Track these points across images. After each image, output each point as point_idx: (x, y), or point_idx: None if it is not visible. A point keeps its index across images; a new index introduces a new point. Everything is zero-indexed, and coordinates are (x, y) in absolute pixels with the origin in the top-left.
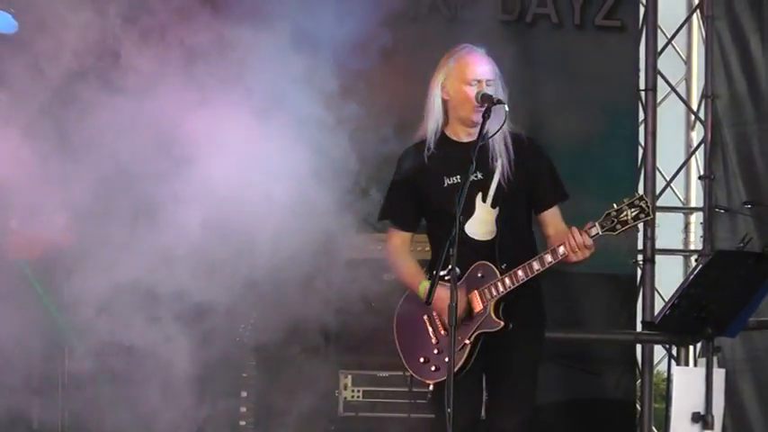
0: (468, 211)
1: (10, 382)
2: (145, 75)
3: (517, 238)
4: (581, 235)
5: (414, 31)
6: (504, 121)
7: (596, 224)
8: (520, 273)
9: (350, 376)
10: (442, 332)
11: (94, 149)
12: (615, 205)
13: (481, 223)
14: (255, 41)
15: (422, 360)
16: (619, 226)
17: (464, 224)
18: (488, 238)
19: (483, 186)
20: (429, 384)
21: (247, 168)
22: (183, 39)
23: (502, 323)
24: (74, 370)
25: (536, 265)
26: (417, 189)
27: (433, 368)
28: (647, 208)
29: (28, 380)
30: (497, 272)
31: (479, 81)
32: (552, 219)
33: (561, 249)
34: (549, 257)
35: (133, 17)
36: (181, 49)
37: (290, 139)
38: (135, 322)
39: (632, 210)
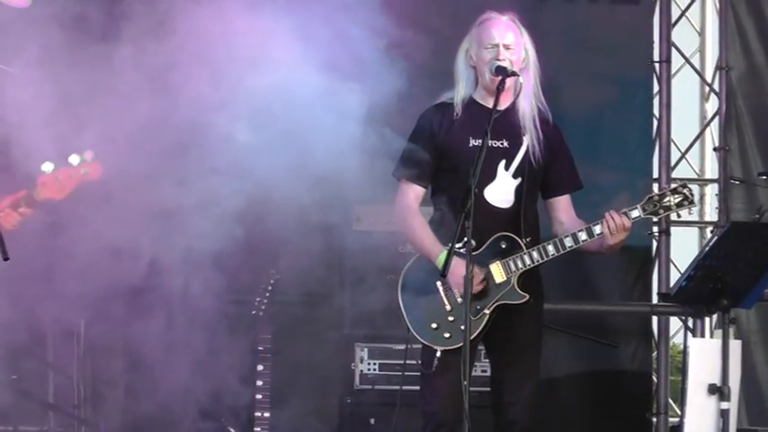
0: (489, 176)
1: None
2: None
3: (532, 213)
4: (620, 216)
5: (427, 4)
6: (519, 92)
7: (638, 207)
8: (550, 248)
9: (366, 349)
10: (459, 300)
11: (127, 93)
12: (656, 190)
13: (500, 191)
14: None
15: (434, 326)
16: (661, 210)
17: (483, 189)
18: (505, 206)
19: (508, 155)
20: (437, 351)
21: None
22: None
23: (527, 296)
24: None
25: (568, 242)
26: (441, 146)
27: (446, 335)
28: (690, 196)
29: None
30: (522, 244)
31: (495, 45)
32: (565, 205)
33: (598, 228)
34: (583, 235)
35: None
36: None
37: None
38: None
39: (675, 196)
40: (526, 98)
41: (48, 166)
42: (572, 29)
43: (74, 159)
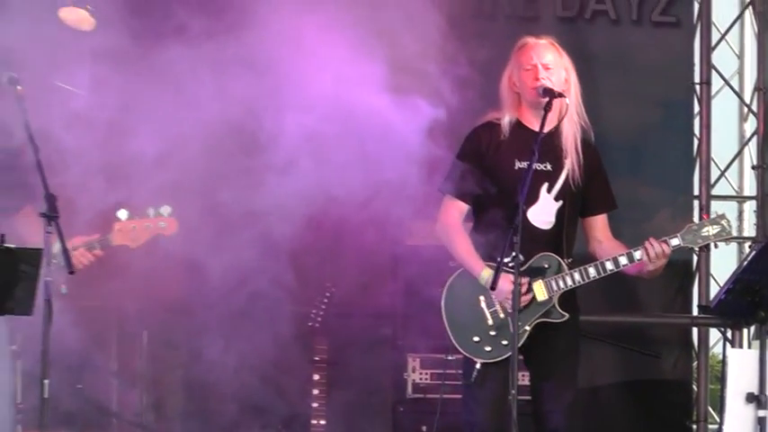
0: (533, 198)
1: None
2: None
3: (573, 234)
4: (660, 244)
5: (476, 27)
6: (564, 114)
7: (678, 236)
8: (591, 271)
9: (418, 359)
10: (501, 315)
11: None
12: (696, 221)
13: (543, 212)
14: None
15: (476, 339)
16: (700, 240)
17: (526, 210)
18: (547, 227)
19: (550, 178)
20: (477, 362)
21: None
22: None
23: (566, 315)
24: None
25: (609, 266)
26: (487, 166)
27: (487, 348)
28: (728, 227)
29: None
30: (564, 265)
31: (534, 65)
32: (602, 224)
33: (638, 254)
34: (624, 260)
35: None
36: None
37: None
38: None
39: (714, 227)
40: (570, 120)
41: (123, 214)
42: (617, 51)
43: (151, 212)
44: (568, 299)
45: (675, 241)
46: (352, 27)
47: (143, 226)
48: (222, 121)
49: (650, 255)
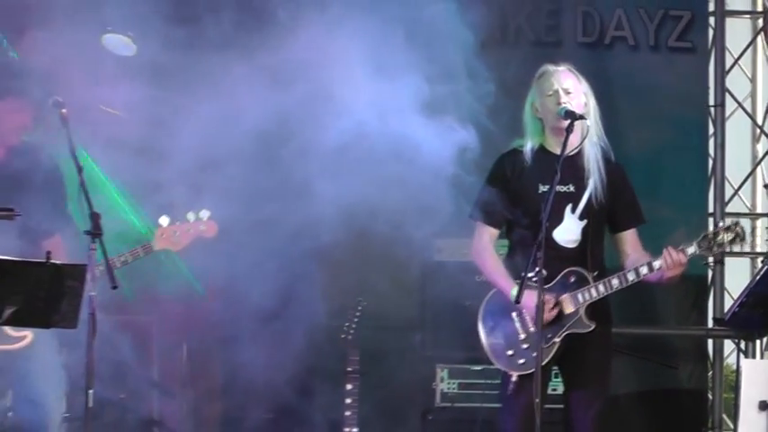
0: (557, 219)
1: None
2: None
3: (599, 250)
4: (677, 253)
5: (501, 52)
6: (586, 136)
7: (694, 243)
8: (615, 282)
9: (446, 369)
10: (531, 329)
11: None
12: (711, 228)
13: (567, 232)
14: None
15: (510, 353)
16: (715, 247)
17: (552, 230)
18: (573, 246)
19: (574, 198)
20: (513, 376)
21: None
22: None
23: (593, 326)
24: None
25: (630, 276)
26: (513, 191)
27: (521, 361)
28: (742, 233)
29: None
30: (590, 278)
31: (555, 90)
32: (631, 238)
33: (657, 263)
34: (644, 270)
35: None
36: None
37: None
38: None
39: (728, 234)
40: (590, 142)
41: (164, 220)
42: (635, 75)
43: (191, 216)
44: (600, 310)
45: (691, 249)
46: (384, 49)
47: (184, 230)
48: (258, 134)
49: (668, 262)
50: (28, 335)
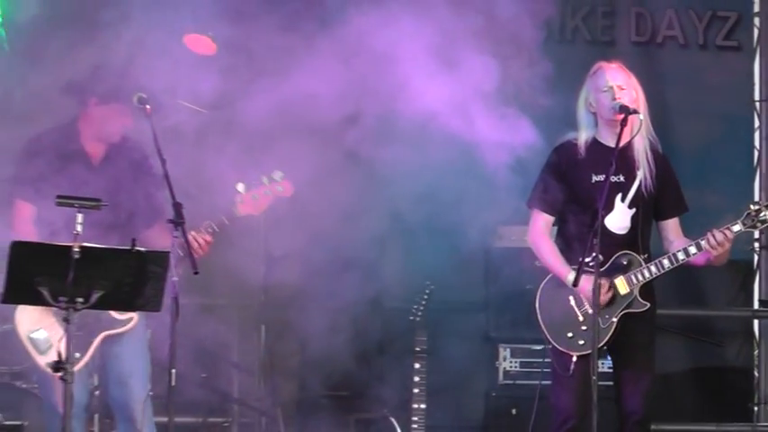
0: (609, 207)
1: None
2: None
3: (648, 235)
4: (720, 232)
5: (560, 51)
6: (639, 130)
7: (739, 222)
8: (665, 262)
9: (508, 349)
10: (590, 311)
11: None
12: (752, 206)
13: (618, 219)
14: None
15: (569, 335)
16: (759, 224)
17: (604, 218)
18: (623, 232)
19: (623, 188)
20: (573, 356)
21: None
22: None
23: (648, 304)
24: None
25: (680, 255)
26: (567, 181)
27: (580, 342)
28: None
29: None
30: (641, 260)
31: (610, 87)
32: (674, 226)
33: (704, 243)
34: (693, 249)
35: None
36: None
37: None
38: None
39: None
40: (640, 135)
41: (241, 186)
42: (685, 72)
43: (265, 179)
44: (647, 293)
45: (737, 227)
46: (453, 40)
47: (262, 193)
48: (327, 119)
49: (711, 242)
50: (134, 317)
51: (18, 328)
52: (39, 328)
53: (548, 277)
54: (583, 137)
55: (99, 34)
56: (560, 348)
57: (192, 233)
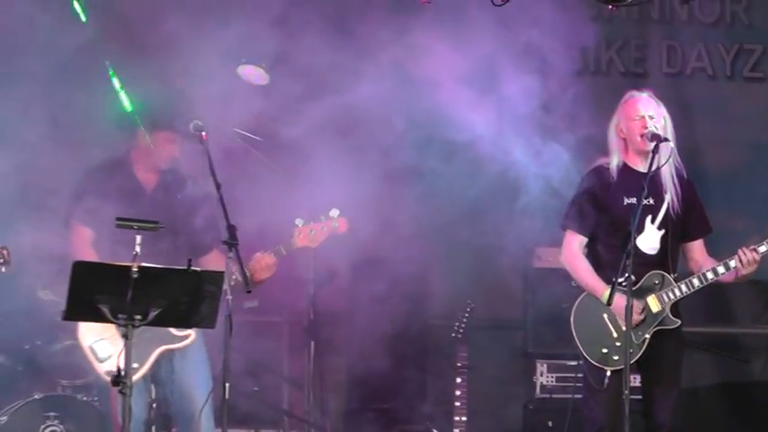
0: (639, 228)
1: None
2: None
3: (676, 255)
4: (750, 252)
5: (596, 82)
6: (670, 156)
7: (765, 243)
8: (695, 281)
9: (545, 364)
10: (623, 328)
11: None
12: None
13: (648, 240)
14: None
15: (604, 350)
16: None
17: (636, 239)
18: (653, 252)
19: (653, 210)
20: (607, 370)
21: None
22: None
23: (679, 321)
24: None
25: (709, 275)
26: (600, 203)
27: (615, 357)
28: None
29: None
30: (671, 279)
31: (642, 116)
32: (699, 247)
33: (733, 263)
34: (721, 269)
35: None
36: None
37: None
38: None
39: None
40: (663, 158)
41: (300, 221)
42: (713, 101)
43: (322, 216)
44: (675, 310)
45: (763, 248)
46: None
47: (319, 228)
48: (372, 141)
49: (742, 261)
50: (191, 334)
51: (80, 339)
52: (100, 338)
53: (582, 295)
54: (614, 161)
55: (149, 63)
56: (595, 363)
57: (258, 254)
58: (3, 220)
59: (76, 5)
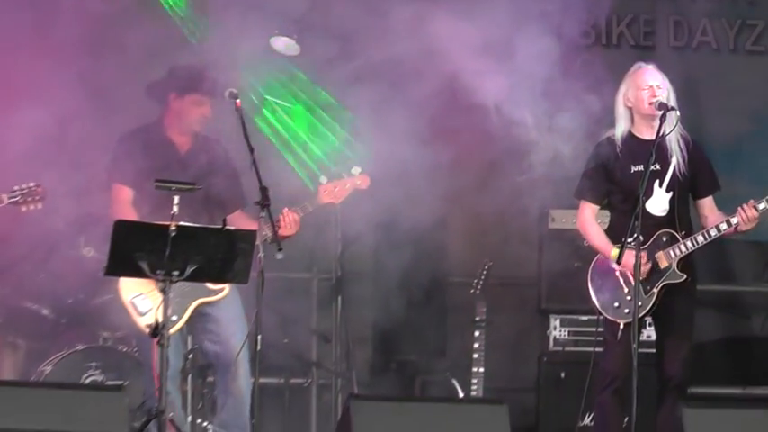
0: (648, 192)
1: None
2: None
3: (685, 214)
4: (750, 209)
5: (607, 54)
6: (676, 125)
7: (764, 200)
8: (700, 238)
9: (558, 319)
10: (633, 283)
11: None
12: None
13: (657, 202)
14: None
15: (616, 305)
16: None
17: (645, 203)
18: (662, 213)
19: (660, 175)
20: (620, 324)
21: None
22: None
23: (685, 276)
24: None
25: (713, 232)
26: (609, 173)
27: (626, 311)
28: None
29: None
30: (679, 237)
31: (650, 86)
32: (709, 204)
33: (734, 220)
34: (724, 226)
35: None
36: None
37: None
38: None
39: None
40: (671, 127)
41: (323, 179)
42: (717, 74)
43: (344, 174)
44: (687, 269)
45: (762, 205)
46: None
47: (342, 185)
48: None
49: (743, 217)
50: (225, 288)
51: (121, 293)
52: (140, 293)
53: (597, 256)
54: (619, 130)
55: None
56: (609, 317)
57: (285, 209)
58: (50, 182)
59: None
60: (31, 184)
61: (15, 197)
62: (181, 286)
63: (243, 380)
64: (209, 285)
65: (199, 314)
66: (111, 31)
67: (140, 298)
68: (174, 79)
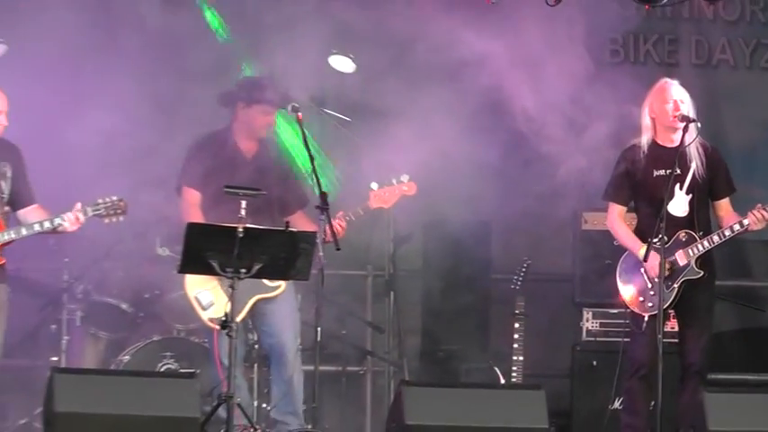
0: (670, 196)
1: None
2: None
3: (704, 215)
4: (760, 211)
5: (633, 71)
6: (697, 135)
7: None
8: (715, 237)
9: (590, 312)
10: (656, 280)
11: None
12: None
13: (678, 205)
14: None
15: (641, 299)
16: None
17: (667, 205)
18: (683, 215)
19: (681, 179)
20: (645, 316)
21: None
22: None
23: (702, 272)
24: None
25: (727, 232)
26: (634, 177)
27: (650, 304)
28: None
29: None
30: (697, 237)
31: (674, 100)
32: (725, 205)
33: (746, 221)
34: (737, 227)
35: None
36: None
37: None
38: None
39: None
40: (691, 135)
41: (374, 185)
42: (735, 89)
43: (394, 180)
44: (706, 265)
45: None
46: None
47: (392, 191)
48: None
49: (754, 218)
50: (282, 285)
51: (187, 289)
52: (203, 289)
53: (624, 254)
54: (644, 139)
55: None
56: (635, 310)
57: (340, 213)
58: (130, 193)
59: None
60: (114, 198)
61: (99, 210)
62: (241, 283)
63: (294, 371)
64: (267, 282)
65: (256, 309)
66: (170, 49)
67: (203, 293)
68: (243, 90)
